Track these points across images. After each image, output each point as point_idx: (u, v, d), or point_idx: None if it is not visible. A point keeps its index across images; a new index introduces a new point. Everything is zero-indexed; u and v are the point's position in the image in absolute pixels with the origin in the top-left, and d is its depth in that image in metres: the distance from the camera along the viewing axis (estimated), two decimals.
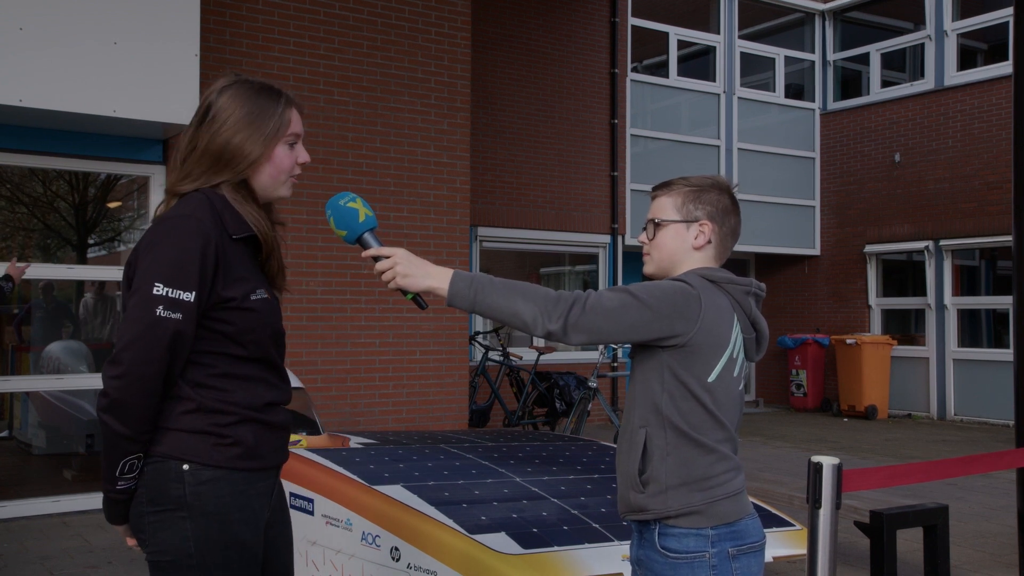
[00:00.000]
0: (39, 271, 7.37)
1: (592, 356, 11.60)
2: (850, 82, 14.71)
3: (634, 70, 13.14)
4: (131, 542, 2.22)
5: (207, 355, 2.10)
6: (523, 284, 2.17)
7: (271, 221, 2.28)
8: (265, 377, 2.19)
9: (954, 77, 12.93)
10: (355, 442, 5.02)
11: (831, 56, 14.53)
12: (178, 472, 2.07)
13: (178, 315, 2.01)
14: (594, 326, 2.12)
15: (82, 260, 7.97)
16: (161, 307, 2.00)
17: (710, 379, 2.17)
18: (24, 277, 5.68)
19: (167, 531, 2.07)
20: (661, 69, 13.58)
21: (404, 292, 2.21)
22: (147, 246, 2.08)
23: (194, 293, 2.03)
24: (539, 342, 10.46)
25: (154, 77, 6.42)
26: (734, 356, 2.22)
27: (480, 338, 10.62)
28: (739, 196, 2.37)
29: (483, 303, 2.15)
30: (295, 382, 5.80)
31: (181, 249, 2.04)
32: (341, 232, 2.24)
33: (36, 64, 6.07)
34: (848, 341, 12.99)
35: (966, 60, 13.35)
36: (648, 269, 2.37)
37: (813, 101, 14.51)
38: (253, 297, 2.14)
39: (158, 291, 2.01)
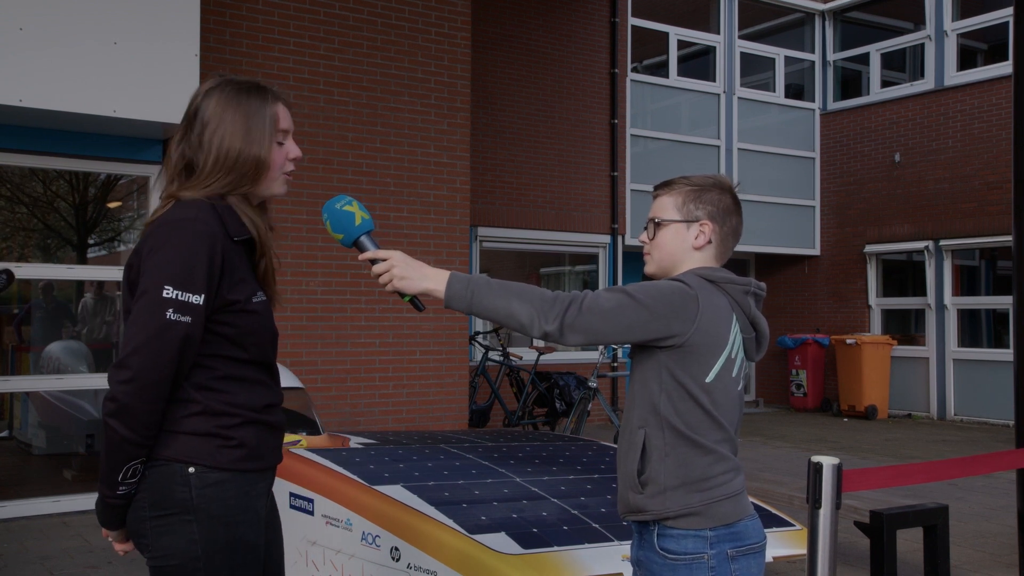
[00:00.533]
0: (39, 271, 7.38)
1: (592, 356, 11.60)
2: (850, 82, 14.71)
3: (634, 70, 13.14)
4: (120, 547, 2.20)
5: (210, 358, 2.09)
6: (520, 285, 2.17)
7: (267, 224, 2.25)
8: (262, 379, 2.19)
9: (954, 77, 12.93)
10: (355, 442, 5.02)
11: (831, 56, 14.53)
12: (184, 475, 2.05)
13: (188, 318, 2.00)
14: (590, 327, 2.12)
15: (82, 260, 7.97)
16: (171, 310, 1.98)
17: (708, 379, 2.17)
18: (24, 277, 5.66)
19: (172, 535, 2.05)
20: (661, 69, 13.58)
21: (402, 294, 2.22)
22: (152, 249, 2.05)
23: (203, 296, 2.01)
24: (539, 342, 10.46)
25: (154, 77, 6.42)
26: (732, 356, 2.21)
27: (480, 338, 10.62)
28: (739, 196, 2.36)
29: (479, 304, 2.15)
30: (295, 382, 5.80)
31: (189, 251, 2.02)
32: (338, 236, 2.24)
33: (36, 64, 6.07)
34: (848, 341, 12.99)
35: (966, 60, 13.35)
36: (649, 269, 2.36)
37: (813, 101, 14.51)
38: (255, 299, 2.14)
39: (168, 294, 1.98)
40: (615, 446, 5.12)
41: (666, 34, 13.27)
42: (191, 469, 2.05)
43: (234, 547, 2.08)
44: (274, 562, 2.31)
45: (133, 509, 2.09)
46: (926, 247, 12.95)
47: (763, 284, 2.32)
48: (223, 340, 2.09)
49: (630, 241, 12.46)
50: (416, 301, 2.25)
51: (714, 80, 13.69)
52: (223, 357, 2.10)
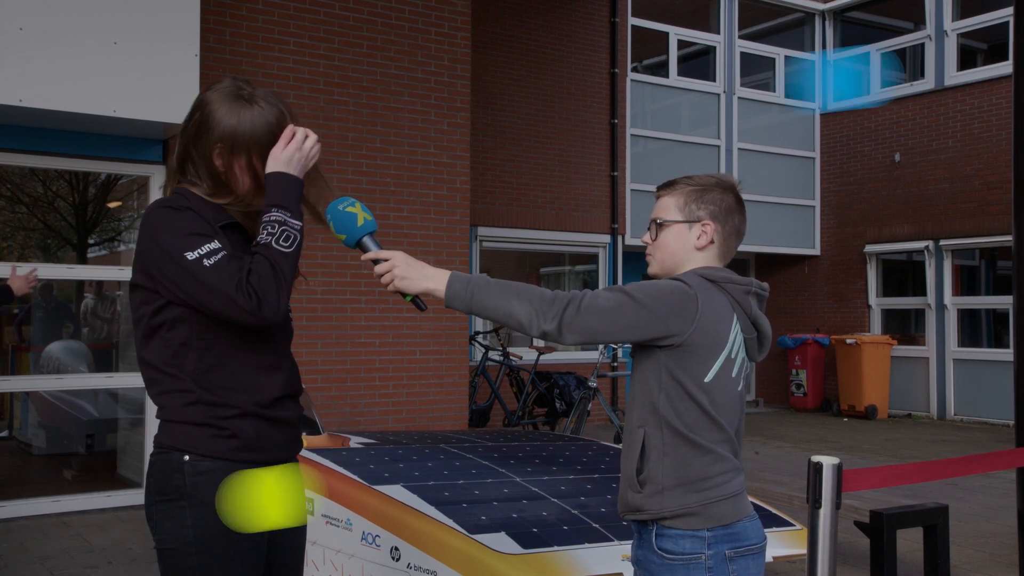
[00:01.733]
0: (39, 271, 7.36)
1: (592, 356, 11.60)
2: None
3: (634, 70, 13.14)
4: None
5: (208, 346, 2.11)
6: (519, 285, 2.17)
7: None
8: (267, 365, 2.19)
9: (954, 77, 12.93)
10: (355, 442, 5.02)
11: (831, 56, 14.52)
12: (179, 463, 2.11)
13: (222, 252, 2.05)
14: (589, 326, 2.12)
15: (82, 260, 7.97)
16: (205, 261, 2.03)
17: (707, 379, 2.16)
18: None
19: (171, 520, 2.11)
20: (661, 69, 13.57)
21: (403, 294, 2.22)
22: (145, 241, 2.11)
23: (215, 239, 2.07)
24: (539, 342, 10.46)
25: (154, 77, 6.42)
26: (732, 356, 2.21)
27: (480, 338, 10.62)
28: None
29: (479, 304, 2.15)
30: None
31: (178, 221, 2.08)
32: (341, 236, 2.27)
33: (36, 64, 6.07)
34: (848, 341, 12.99)
35: (966, 60, 13.34)
36: (652, 270, 2.36)
37: (813, 101, 14.50)
38: None
39: (192, 256, 2.03)
40: (615, 446, 5.13)
41: (666, 34, 13.26)
42: (186, 457, 2.11)
43: (227, 536, 2.11)
44: (293, 562, 2.31)
45: (146, 493, 2.18)
46: (926, 247, 12.95)
47: (765, 284, 2.32)
48: (217, 325, 2.11)
49: (630, 241, 12.45)
50: (418, 301, 2.26)
51: (714, 80, 13.69)
52: (220, 343, 2.12)
